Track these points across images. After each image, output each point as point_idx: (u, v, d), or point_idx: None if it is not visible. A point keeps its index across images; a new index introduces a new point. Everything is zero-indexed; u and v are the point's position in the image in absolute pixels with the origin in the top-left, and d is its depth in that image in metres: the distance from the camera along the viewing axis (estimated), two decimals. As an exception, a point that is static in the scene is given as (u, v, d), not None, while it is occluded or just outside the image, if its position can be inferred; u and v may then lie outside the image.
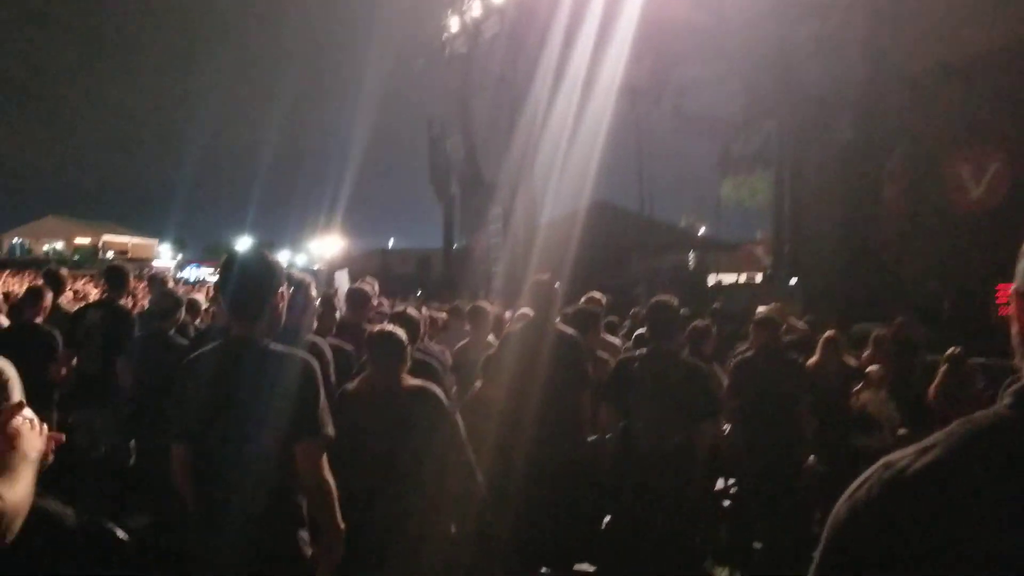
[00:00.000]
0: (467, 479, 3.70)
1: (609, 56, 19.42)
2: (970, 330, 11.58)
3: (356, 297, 5.97)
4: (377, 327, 3.83)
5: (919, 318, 13.09)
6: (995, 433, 1.01)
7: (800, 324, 8.25)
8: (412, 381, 3.63)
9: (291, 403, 2.67)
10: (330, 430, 2.74)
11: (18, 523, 1.84)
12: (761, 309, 6.95)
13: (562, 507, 5.05)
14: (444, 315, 7.78)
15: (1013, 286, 1.13)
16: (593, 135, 20.48)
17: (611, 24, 19.09)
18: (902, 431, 7.97)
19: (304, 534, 2.69)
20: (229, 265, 2.91)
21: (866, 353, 8.43)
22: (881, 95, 15.33)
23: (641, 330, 6.33)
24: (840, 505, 1.08)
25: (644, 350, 4.92)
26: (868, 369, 7.85)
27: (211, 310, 8.23)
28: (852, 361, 7.90)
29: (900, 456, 1.06)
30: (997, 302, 12.29)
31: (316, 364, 2.77)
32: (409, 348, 3.69)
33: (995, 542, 0.92)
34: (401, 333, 3.66)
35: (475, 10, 24.32)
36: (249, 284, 2.80)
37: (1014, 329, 1.14)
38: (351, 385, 3.67)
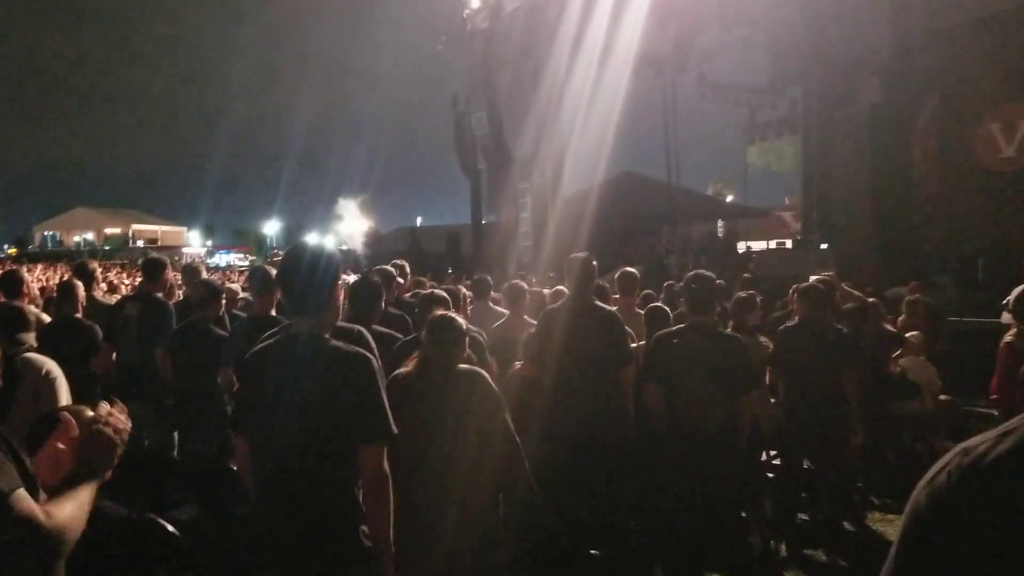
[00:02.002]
0: (514, 461, 3.72)
1: (632, 25, 19.24)
2: (1005, 290, 11.42)
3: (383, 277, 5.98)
4: (439, 312, 3.85)
5: (953, 280, 12.96)
6: None
7: (855, 292, 8.12)
8: (464, 365, 3.68)
9: (357, 402, 2.68)
10: (394, 428, 2.76)
11: (69, 542, 1.84)
12: (811, 279, 6.82)
13: (605, 484, 5.07)
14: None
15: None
16: (618, 105, 20.34)
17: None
18: (944, 396, 7.92)
19: (365, 528, 2.71)
20: (290, 260, 2.91)
21: (901, 318, 8.35)
22: (907, 56, 15.08)
23: (656, 304, 6.26)
24: (919, 492, 1.06)
25: (682, 325, 4.89)
26: (908, 335, 7.77)
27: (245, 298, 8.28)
28: (889, 326, 7.83)
29: (979, 441, 1.04)
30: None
31: (376, 361, 2.79)
32: (467, 333, 3.74)
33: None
34: (461, 319, 3.72)
35: (495, -16, 24.18)
36: (311, 279, 2.79)
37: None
38: (405, 368, 3.69)
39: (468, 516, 3.51)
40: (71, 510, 1.86)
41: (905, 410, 7.54)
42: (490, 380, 3.76)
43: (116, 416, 2.08)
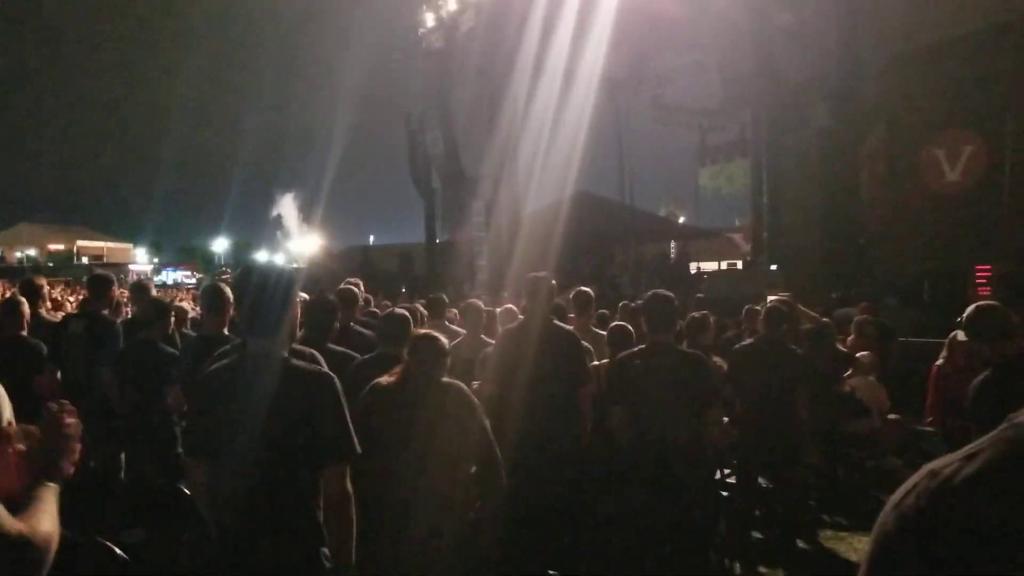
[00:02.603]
0: (491, 472, 3.80)
1: (587, 47, 19.45)
2: (950, 312, 11.73)
3: (346, 297, 5.95)
4: (422, 331, 3.98)
5: (900, 301, 13.25)
6: None
7: (812, 313, 8.28)
8: (445, 379, 3.79)
9: (322, 422, 2.65)
10: (358, 448, 2.72)
11: (52, 552, 1.77)
12: (771, 298, 6.93)
13: (565, 504, 5.05)
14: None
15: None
16: (573, 126, 20.50)
17: (588, 15, 19.11)
18: (892, 416, 8.07)
19: (326, 550, 2.66)
20: (247, 277, 2.87)
21: (850, 339, 8.50)
22: (856, 81, 15.44)
23: (620, 323, 6.29)
24: (886, 515, 1.06)
25: (643, 345, 4.91)
26: (858, 355, 7.91)
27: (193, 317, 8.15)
28: (840, 347, 7.96)
29: (946, 463, 1.05)
30: (976, 283, 12.45)
31: (337, 380, 2.75)
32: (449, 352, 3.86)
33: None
34: (443, 338, 3.83)
35: (451, 4, 24.26)
36: (269, 297, 2.74)
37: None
38: (385, 379, 3.74)
39: (444, 514, 3.53)
40: (49, 522, 1.78)
41: (855, 429, 7.66)
42: (468, 392, 3.83)
43: (68, 416, 2.02)
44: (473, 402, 3.80)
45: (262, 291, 2.76)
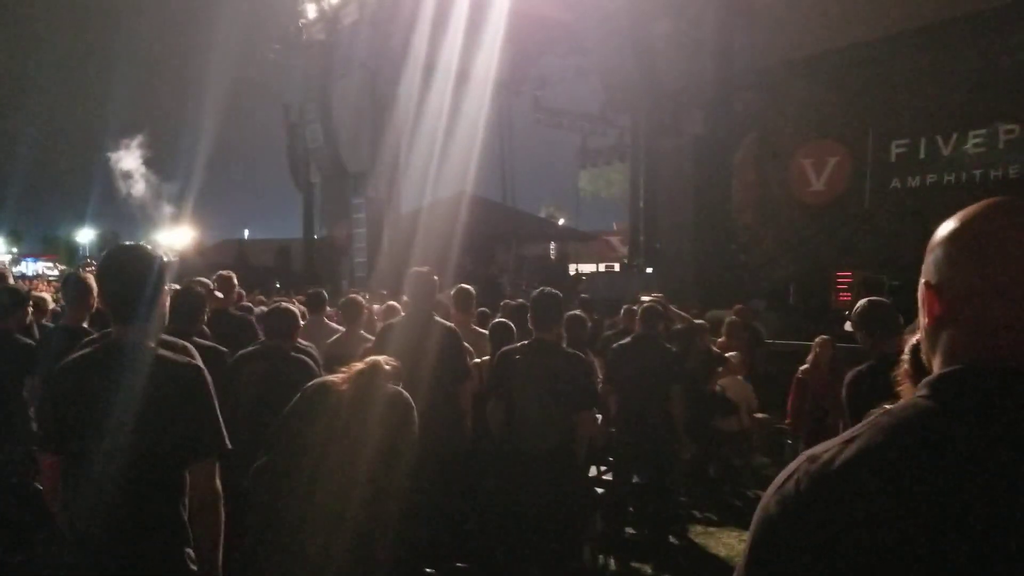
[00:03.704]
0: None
1: (471, 48, 19.45)
2: (813, 315, 12.34)
3: (224, 283, 5.81)
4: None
5: (768, 304, 13.82)
6: (915, 423, 1.04)
7: (683, 313, 8.54)
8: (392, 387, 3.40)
9: (190, 416, 2.51)
10: (228, 443, 2.59)
11: None
12: (645, 298, 7.08)
13: (443, 503, 5.02)
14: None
15: (922, 279, 1.16)
16: (456, 125, 20.48)
17: (473, 16, 19.11)
18: (759, 415, 8.40)
19: (190, 551, 2.53)
20: (113, 263, 2.68)
21: (721, 339, 8.81)
22: (731, 91, 16.00)
23: (502, 320, 6.32)
24: (767, 499, 1.09)
25: (525, 342, 4.92)
26: (728, 355, 8.19)
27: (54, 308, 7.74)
28: (712, 347, 8.23)
29: (824, 448, 1.08)
30: (836, 287, 13.15)
31: (207, 373, 2.61)
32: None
33: (919, 530, 0.94)
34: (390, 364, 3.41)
35: (333, -4, 23.85)
36: (136, 284, 2.57)
37: (923, 321, 1.17)
38: (341, 384, 3.29)
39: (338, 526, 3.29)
40: None
41: (724, 427, 7.93)
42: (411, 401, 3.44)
43: None
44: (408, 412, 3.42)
45: (130, 277, 2.59)
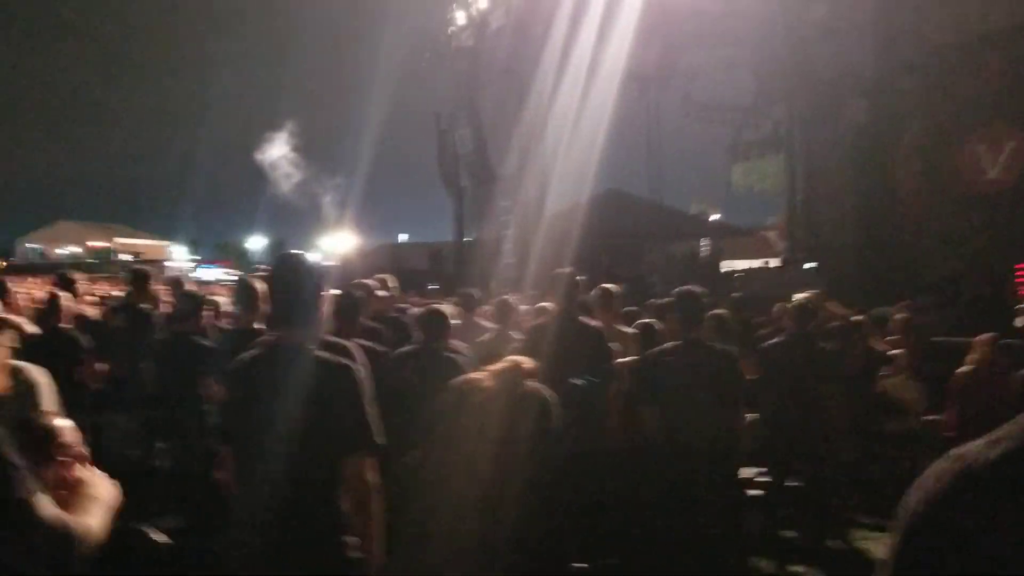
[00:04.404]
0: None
1: (616, 43, 19.35)
2: (988, 311, 11.57)
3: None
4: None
5: (936, 300, 13.07)
6: None
7: (841, 310, 8.20)
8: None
9: (340, 413, 2.69)
10: (378, 439, 2.76)
11: (90, 542, 1.95)
12: (797, 296, 6.79)
13: (590, 501, 5.05)
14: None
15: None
16: (601, 123, 20.42)
17: (617, 11, 19.01)
18: (930, 416, 7.94)
19: (349, 539, 2.70)
20: (279, 271, 2.96)
21: (890, 337, 8.40)
22: (892, 77, 15.24)
23: (647, 320, 6.28)
24: (912, 496, 1.08)
25: (676, 343, 4.88)
26: (893, 353, 7.82)
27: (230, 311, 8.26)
28: (877, 345, 7.88)
29: (970, 448, 1.06)
30: (1016, 282, 12.25)
31: (362, 372, 2.79)
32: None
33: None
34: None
35: (481, 2, 24.27)
36: (299, 290, 2.81)
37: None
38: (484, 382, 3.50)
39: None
40: (96, 514, 1.97)
41: (890, 428, 7.58)
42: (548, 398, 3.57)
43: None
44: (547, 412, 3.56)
45: (293, 284, 2.82)
